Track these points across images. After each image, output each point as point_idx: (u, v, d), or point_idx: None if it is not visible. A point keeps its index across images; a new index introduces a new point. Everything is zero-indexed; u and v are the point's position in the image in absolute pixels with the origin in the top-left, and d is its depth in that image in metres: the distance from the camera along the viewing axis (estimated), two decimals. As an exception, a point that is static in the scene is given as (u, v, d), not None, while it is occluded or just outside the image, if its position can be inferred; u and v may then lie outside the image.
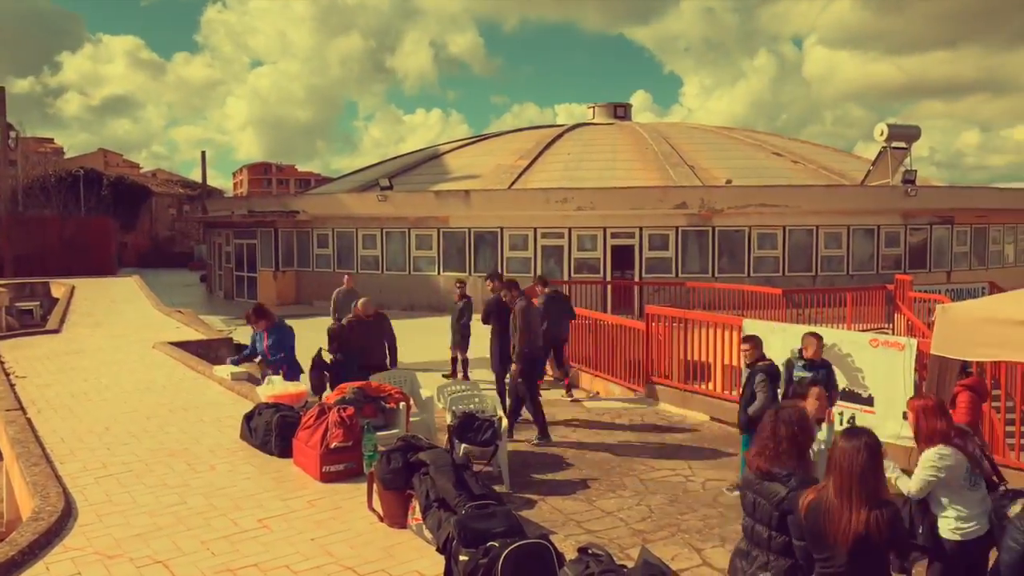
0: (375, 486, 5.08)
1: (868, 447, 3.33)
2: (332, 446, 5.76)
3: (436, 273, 23.63)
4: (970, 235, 25.30)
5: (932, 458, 4.36)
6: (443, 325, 19.50)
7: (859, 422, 8.22)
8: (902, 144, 24.11)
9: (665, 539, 6.11)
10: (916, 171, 24.02)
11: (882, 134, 23.91)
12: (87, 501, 5.31)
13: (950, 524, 4.32)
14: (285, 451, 6.26)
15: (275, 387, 7.63)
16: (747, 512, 3.79)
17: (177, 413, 7.74)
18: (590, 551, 3.80)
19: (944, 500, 4.35)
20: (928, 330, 9.25)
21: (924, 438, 4.44)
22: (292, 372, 8.95)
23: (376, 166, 33.19)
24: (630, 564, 3.94)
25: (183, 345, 11.44)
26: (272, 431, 6.39)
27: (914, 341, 7.97)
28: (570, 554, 3.94)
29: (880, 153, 24.40)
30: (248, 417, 6.77)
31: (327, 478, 5.72)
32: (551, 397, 11.90)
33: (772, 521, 3.63)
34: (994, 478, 4.76)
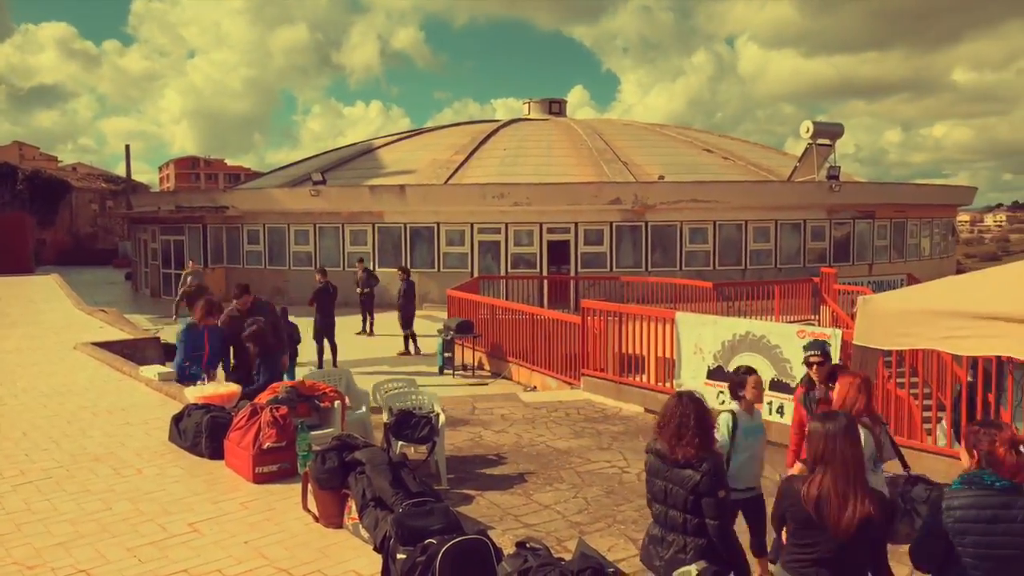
0: (310, 486, 5.00)
1: (853, 429, 3.33)
2: (265, 447, 5.64)
3: (371, 269, 23.39)
4: (890, 229, 26.34)
5: None
6: (378, 320, 19.33)
7: (787, 412, 8.48)
8: (827, 141, 24.91)
9: (602, 530, 6.18)
10: (840, 167, 24.86)
11: (808, 131, 24.66)
12: (4, 510, 5.08)
13: None
14: (216, 453, 6.10)
15: (205, 388, 7.42)
16: (658, 500, 3.90)
17: (101, 416, 7.46)
18: (528, 545, 3.82)
19: None
20: (851, 321, 9.59)
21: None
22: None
23: (308, 160, 32.62)
24: (568, 556, 3.98)
25: (107, 346, 11.02)
26: (202, 432, 6.21)
27: (839, 332, 8.25)
28: (508, 549, 3.95)
29: (806, 150, 25.17)
30: (177, 419, 6.57)
31: (260, 479, 5.60)
32: (490, 392, 11.93)
33: (687, 505, 3.76)
34: (907, 470, 4.96)
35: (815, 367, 5.61)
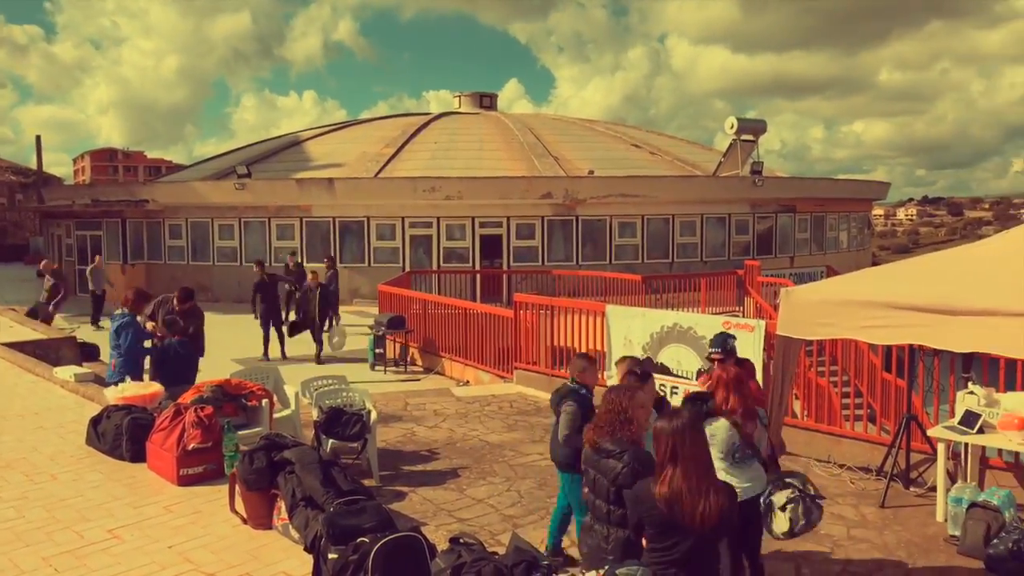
0: (237, 487, 4.87)
1: (698, 425, 3.31)
2: (190, 448, 5.47)
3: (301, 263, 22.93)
4: (810, 223, 27.27)
5: (721, 427, 4.59)
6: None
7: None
8: (750, 137, 25.61)
9: (535, 523, 6.22)
10: (763, 163, 25.60)
11: (732, 127, 25.29)
12: (-95, 522, 4.79)
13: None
14: (138, 456, 5.89)
15: (127, 388, 7.15)
16: (589, 489, 3.98)
17: (12, 420, 7.11)
18: (461, 540, 3.81)
19: None
20: (774, 312, 9.88)
21: (720, 405, 4.70)
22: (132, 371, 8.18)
23: (233, 153, 31.76)
24: (502, 550, 3.99)
25: (18, 346, 10.50)
26: (123, 435, 5.99)
27: (762, 323, 8.48)
28: (442, 545, 3.94)
29: (730, 146, 25.82)
30: (95, 421, 6.31)
31: (185, 481, 5.43)
32: (423, 387, 11.86)
33: (610, 495, 3.83)
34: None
35: (716, 363, 5.69)
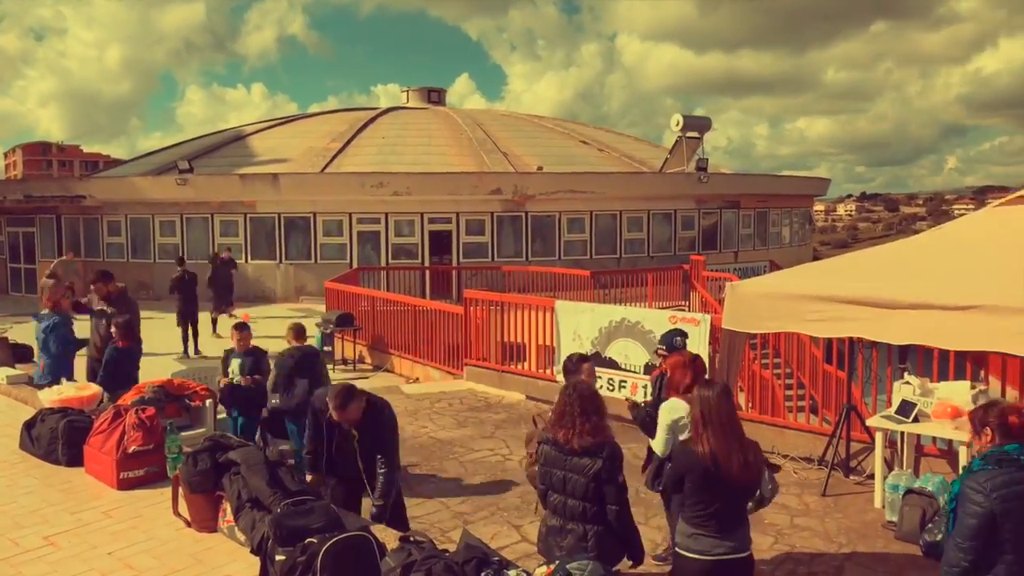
0: (181, 490, 4.76)
1: (727, 393, 3.71)
2: (131, 450, 5.33)
3: (243, 261, 22.48)
4: (754, 218, 27.83)
5: (664, 410, 4.71)
6: (252, 313, 18.64)
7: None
8: (695, 134, 25.97)
9: (485, 519, 6.23)
10: (708, 159, 26.01)
11: (678, 124, 25.63)
12: None
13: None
14: (75, 460, 5.71)
15: (64, 390, 6.91)
16: (556, 490, 3.91)
17: (-60, 425, 6.82)
18: (412, 539, 3.79)
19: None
20: (720, 306, 10.04)
21: (671, 389, 4.81)
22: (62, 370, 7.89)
23: (174, 148, 30.94)
24: (452, 548, 3.98)
25: (-54, 347, 10.08)
26: (59, 438, 5.80)
27: (708, 317, 8.63)
28: (392, 544, 3.90)
29: (676, 142, 26.15)
30: (29, 425, 6.10)
31: (125, 485, 5.29)
32: (372, 385, 11.73)
33: (587, 493, 3.79)
34: None
35: (663, 359, 5.79)
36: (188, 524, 4.71)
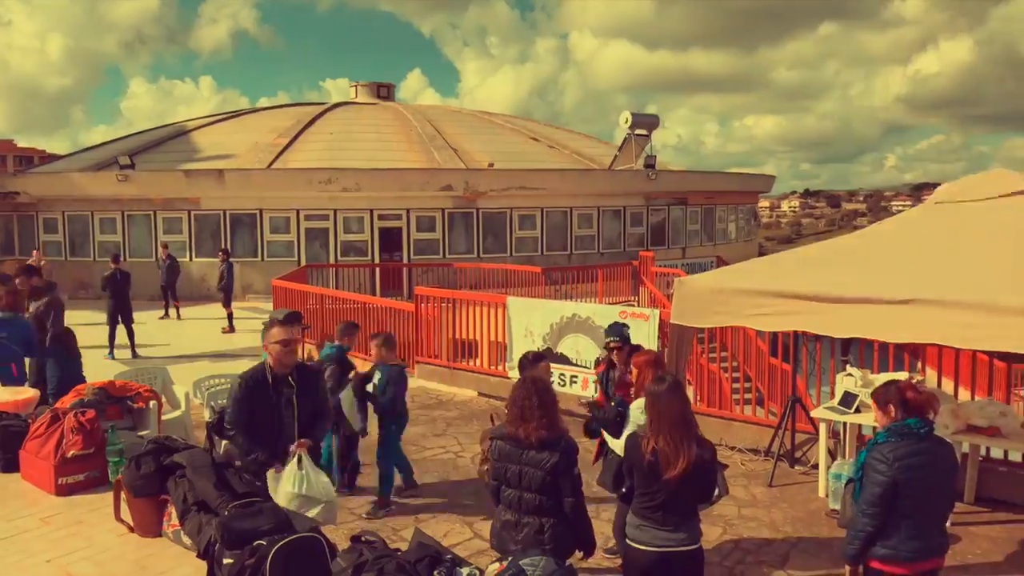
0: (123, 494, 4.62)
1: (679, 387, 3.77)
2: (70, 455, 5.15)
3: (188, 259, 22.00)
4: (701, 215, 28.27)
5: (636, 408, 4.75)
6: (198, 312, 18.32)
7: (612, 389, 8.89)
8: (644, 131, 26.28)
9: (438, 517, 6.21)
10: (656, 156, 26.34)
11: (627, 122, 25.88)
12: None
13: None
14: (9, 465, 5.49)
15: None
16: (511, 484, 3.93)
17: None
18: (363, 539, 3.75)
19: None
20: (668, 301, 10.17)
21: (639, 388, 4.83)
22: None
23: (115, 143, 30.08)
24: (405, 546, 3.95)
25: None
26: (-7, 444, 5.57)
27: (656, 311, 8.74)
28: (343, 544, 3.86)
29: (625, 140, 26.42)
30: (-40, 430, 5.84)
31: (64, 491, 5.11)
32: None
33: (543, 486, 3.83)
34: None
35: (615, 351, 5.85)
36: (131, 530, 4.57)
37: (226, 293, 16.78)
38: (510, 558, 3.43)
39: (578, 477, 3.89)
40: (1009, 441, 5.96)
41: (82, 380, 6.96)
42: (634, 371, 5.01)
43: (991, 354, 9.37)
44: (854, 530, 3.69)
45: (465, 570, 3.49)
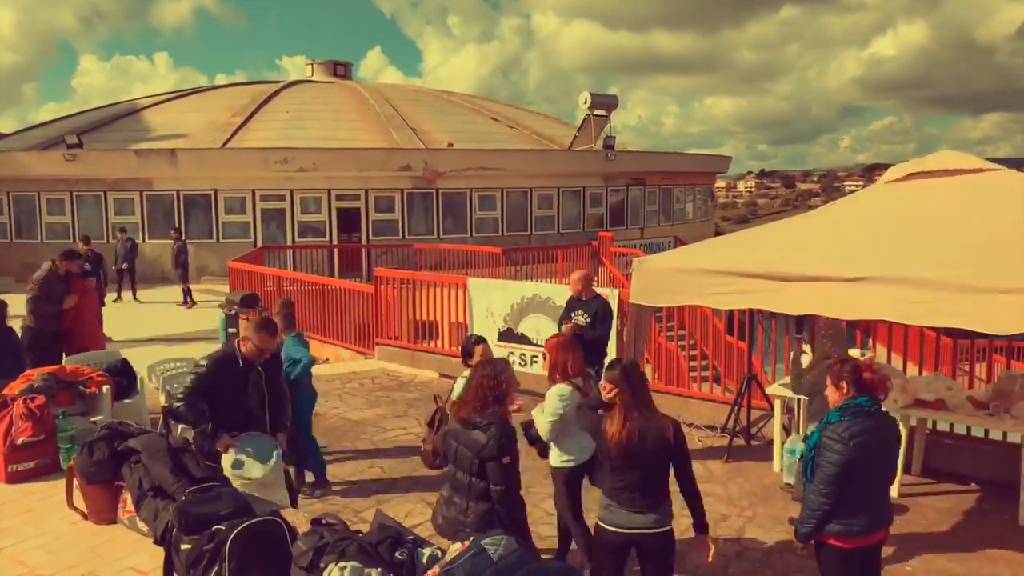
0: (76, 481, 4.54)
1: (637, 373, 3.82)
2: (19, 442, 5.05)
3: (141, 241, 21.52)
4: (659, 195, 28.49)
5: (554, 395, 4.54)
6: (152, 295, 17.97)
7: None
8: (603, 112, 26.31)
9: (399, 498, 6.21)
10: (615, 137, 26.41)
11: (586, 102, 25.87)
12: None
13: (560, 457, 4.63)
14: (-43, 454, 5.35)
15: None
16: (450, 460, 3.95)
17: None
18: (323, 521, 3.74)
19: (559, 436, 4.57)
20: (627, 281, 10.26)
21: (556, 372, 4.62)
22: None
23: (62, 121, 29.16)
24: (366, 528, 3.95)
25: None
26: (-62, 432, 5.42)
27: (616, 292, 8.80)
28: (303, 527, 3.84)
29: (584, 120, 26.43)
30: (-97, 418, 5.67)
31: (14, 478, 5.01)
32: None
33: (472, 468, 3.80)
34: None
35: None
36: (85, 517, 4.51)
37: (183, 269, 17.05)
38: (471, 538, 3.46)
39: (508, 465, 3.79)
40: (955, 414, 6.15)
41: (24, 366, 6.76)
42: (546, 354, 4.80)
43: (938, 330, 9.66)
44: (809, 509, 3.72)
45: (427, 551, 3.51)
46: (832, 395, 3.85)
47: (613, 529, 3.74)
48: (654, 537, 3.74)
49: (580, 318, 7.15)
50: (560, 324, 7.33)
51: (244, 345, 4.81)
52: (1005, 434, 6.51)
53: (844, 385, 3.77)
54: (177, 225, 20.53)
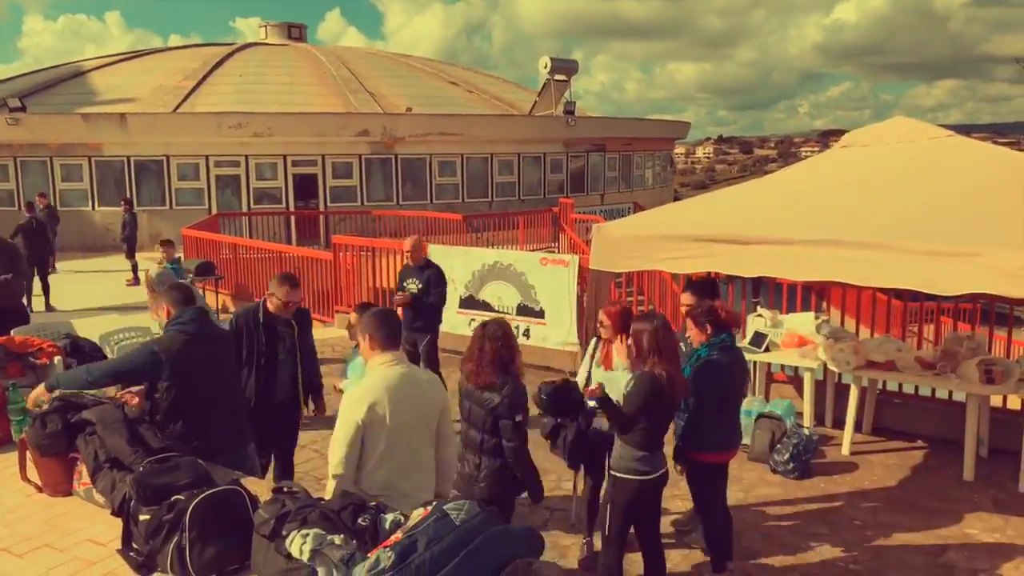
0: (29, 454, 4.45)
1: (669, 325, 4.12)
2: (-33, 415, 4.91)
3: (91, 208, 20.95)
4: (619, 161, 28.54)
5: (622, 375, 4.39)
6: (104, 264, 17.56)
7: (533, 334, 9.01)
8: (563, 77, 26.15)
9: (362, 464, 6.21)
10: (576, 102, 26.30)
11: (546, 67, 25.68)
12: None
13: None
14: (-98, 428, 5.21)
15: None
16: (464, 418, 4.09)
17: None
18: (285, 489, 3.72)
19: None
20: (587, 247, 10.31)
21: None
22: None
23: (3, 83, 28.05)
24: (328, 496, 3.95)
25: None
26: None
27: (576, 258, 8.84)
28: (265, 496, 3.83)
29: (544, 85, 26.26)
30: None
31: (-36, 453, 4.88)
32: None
33: (485, 425, 3.94)
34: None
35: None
36: (39, 489, 4.42)
37: (129, 244, 16.35)
38: (435, 502, 3.48)
39: (520, 423, 3.93)
40: (904, 375, 6.34)
41: None
42: (606, 322, 4.59)
43: (889, 293, 9.91)
44: (686, 432, 4.35)
45: (390, 516, 3.52)
46: (697, 336, 4.41)
47: (650, 477, 4.01)
48: (665, 476, 4.14)
49: (412, 286, 7.28)
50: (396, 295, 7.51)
51: (270, 302, 4.85)
52: (951, 393, 6.73)
53: (708, 327, 4.34)
54: (128, 194, 20.01)
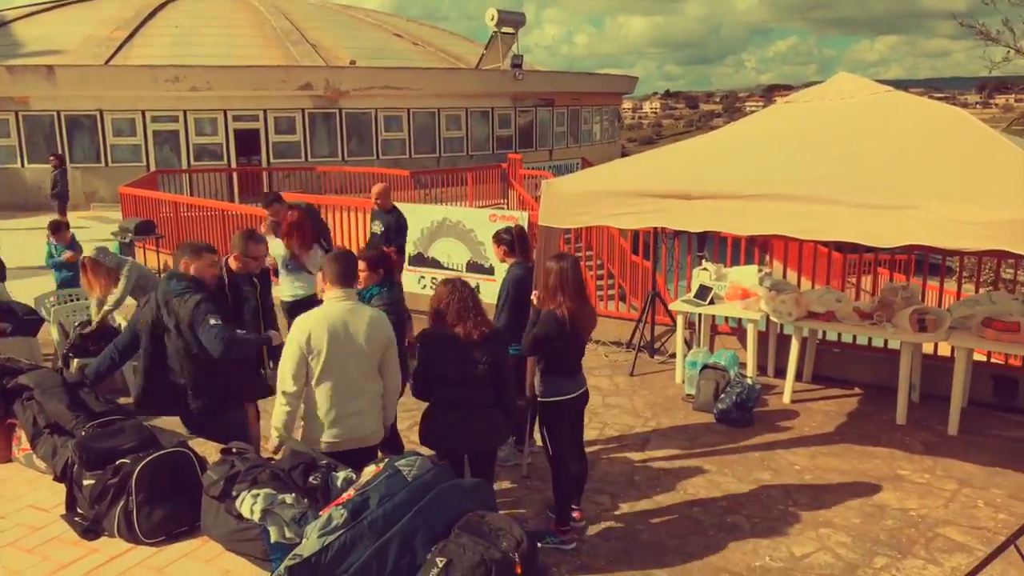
0: (-36, 421, 4.32)
1: (577, 264, 4.40)
2: None
3: (19, 165, 20.09)
4: (567, 116, 28.42)
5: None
6: (35, 222, 16.90)
7: (483, 290, 9.02)
8: (510, 30, 25.78)
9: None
10: (523, 56, 26.00)
11: (493, 19, 25.27)
12: None
13: None
14: None
15: None
16: (450, 377, 4.06)
17: None
18: (234, 450, 3.70)
19: None
20: (536, 204, 10.30)
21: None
22: None
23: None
24: (278, 456, 3.93)
25: None
26: None
27: (525, 214, 8.83)
28: (213, 457, 3.79)
29: (492, 38, 25.87)
30: None
31: None
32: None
33: (485, 377, 4.00)
34: None
35: None
36: (-23, 457, 4.31)
37: (60, 201, 15.75)
38: (387, 459, 3.50)
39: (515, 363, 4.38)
40: (843, 324, 6.55)
41: None
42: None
43: (829, 247, 10.17)
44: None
45: (341, 474, 3.53)
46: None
47: (569, 397, 4.35)
48: (585, 395, 4.48)
49: (376, 228, 7.51)
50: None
51: (234, 261, 4.79)
52: (886, 341, 6.99)
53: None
54: (59, 150, 19.21)
